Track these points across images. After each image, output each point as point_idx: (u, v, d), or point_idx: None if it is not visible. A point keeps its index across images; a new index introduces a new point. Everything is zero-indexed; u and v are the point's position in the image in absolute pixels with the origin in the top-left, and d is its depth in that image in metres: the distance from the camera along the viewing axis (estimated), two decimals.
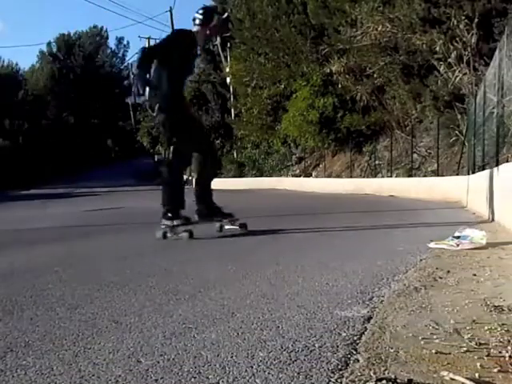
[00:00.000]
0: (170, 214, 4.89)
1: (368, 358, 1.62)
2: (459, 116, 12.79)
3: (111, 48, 53.32)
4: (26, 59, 57.66)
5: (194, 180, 5.56)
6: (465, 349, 1.68)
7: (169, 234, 4.83)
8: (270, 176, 23.47)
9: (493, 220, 5.80)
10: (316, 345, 1.75)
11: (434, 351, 1.66)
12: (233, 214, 5.42)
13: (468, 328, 1.90)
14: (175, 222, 4.87)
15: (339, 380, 1.46)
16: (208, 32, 5.10)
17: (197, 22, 5.08)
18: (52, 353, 1.75)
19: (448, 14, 12.20)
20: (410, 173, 14.73)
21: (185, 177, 25.47)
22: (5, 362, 1.67)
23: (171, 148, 5.00)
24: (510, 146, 6.20)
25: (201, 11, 5.16)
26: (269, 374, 1.52)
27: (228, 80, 27.03)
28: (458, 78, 12.24)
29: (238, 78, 23.57)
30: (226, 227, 5.28)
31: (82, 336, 1.93)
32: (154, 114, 4.86)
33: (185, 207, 5.00)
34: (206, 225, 5.25)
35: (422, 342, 1.75)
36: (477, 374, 1.47)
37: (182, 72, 5.09)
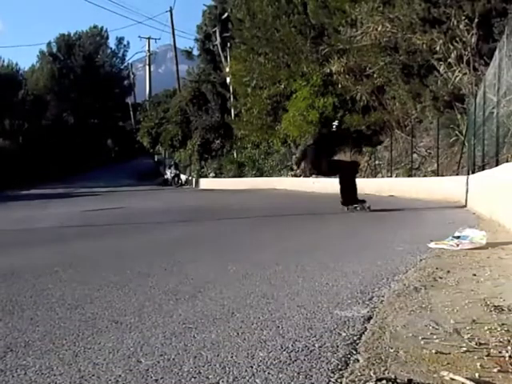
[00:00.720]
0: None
1: (368, 357, 1.62)
2: (459, 116, 12.78)
3: (111, 48, 53.30)
4: (25, 59, 57.57)
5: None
6: (465, 349, 1.68)
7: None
8: (270, 176, 23.46)
9: (493, 220, 5.80)
10: (316, 345, 1.75)
11: (434, 351, 1.66)
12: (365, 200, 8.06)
13: (468, 328, 1.90)
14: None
15: (339, 380, 1.46)
16: None
17: None
18: (52, 353, 1.75)
19: (448, 14, 12.19)
20: (409, 173, 14.72)
21: (184, 177, 25.43)
22: (5, 362, 1.67)
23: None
24: (510, 146, 6.20)
25: None
26: (269, 374, 1.52)
27: (228, 80, 27.02)
28: (457, 78, 12.23)
29: (237, 78, 23.56)
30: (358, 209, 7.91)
31: (82, 336, 1.93)
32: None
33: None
34: (206, 225, 5.25)
35: (422, 342, 1.75)
36: (477, 374, 1.47)
37: None
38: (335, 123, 8.74)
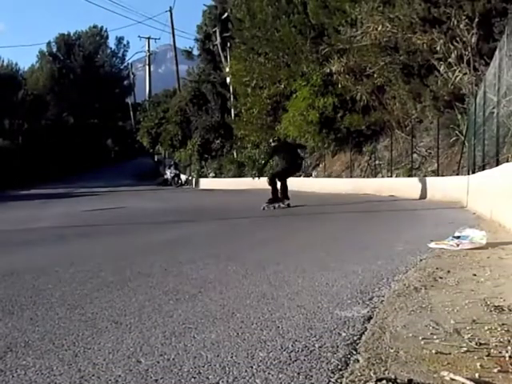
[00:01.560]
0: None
1: (368, 358, 1.62)
2: (459, 116, 12.77)
3: (111, 48, 53.35)
4: (25, 59, 57.57)
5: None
6: (465, 349, 1.68)
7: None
8: None
9: (493, 220, 5.80)
10: (316, 345, 1.75)
11: (434, 351, 1.66)
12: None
13: (468, 328, 1.90)
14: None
15: (339, 380, 1.46)
16: None
17: None
18: (52, 353, 1.75)
19: (448, 13, 12.18)
20: (410, 173, 14.71)
21: (184, 177, 25.59)
22: (5, 362, 1.67)
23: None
24: (510, 145, 6.19)
25: None
26: (269, 374, 1.52)
27: (228, 80, 27.01)
28: (458, 78, 12.22)
29: (237, 77, 23.54)
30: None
31: (82, 336, 1.93)
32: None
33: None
34: (206, 225, 5.24)
35: (422, 342, 1.75)
36: (477, 374, 1.47)
37: None
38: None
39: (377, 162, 17.30)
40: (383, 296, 2.43)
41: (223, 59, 29.40)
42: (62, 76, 46.98)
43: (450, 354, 1.64)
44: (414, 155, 15.09)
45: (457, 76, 12.24)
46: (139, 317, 2.17)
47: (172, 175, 28.59)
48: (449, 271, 3.00)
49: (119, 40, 53.86)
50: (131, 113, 45.45)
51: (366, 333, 1.88)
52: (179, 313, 2.22)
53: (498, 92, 6.41)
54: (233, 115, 27.10)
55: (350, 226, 6.63)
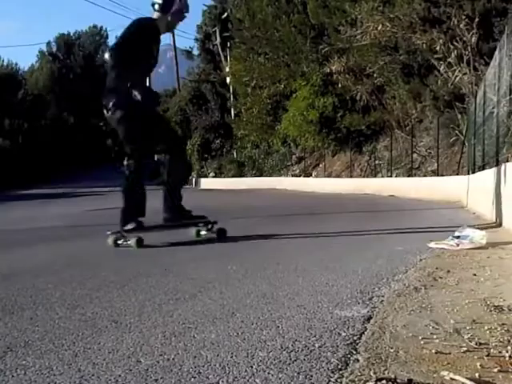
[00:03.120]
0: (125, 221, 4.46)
1: (368, 357, 1.62)
2: (459, 116, 12.78)
3: None
4: (25, 59, 57.55)
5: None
6: (465, 349, 1.68)
7: (119, 241, 4.44)
8: (270, 176, 23.45)
9: (493, 220, 5.80)
10: (316, 345, 1.75)
11: (433, 351, 1.66)
12: (205, 216, 4.90)
13: (468, 328, 1.90)
14: (129, 226, 4.41)
15: (339, 380, 1.46)
16: (169, 18, 4.59)
17: (156, 7, 4.56)
18: (52, 353, 1.75)
19: (448, 13, 12.19)
20: (410, 173, 14.73)
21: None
22: (5, 362, 1.67)
23: (129, 149, 4.49)
24: (510, 145, 6.20)
25: None
26: (269, 373, 1.52)
27: (228, 80, 27.02)
28: (458, 78, 12.23)
29: (237, 77, 23.56)
30: (203, 233, 4.85)
31: (82, 336, 1.93)
32: (109, 113, 4.41)
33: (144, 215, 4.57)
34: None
35: (422, 342, 1.75)
36: (477, 374, 1.46)
37: (146, 64, 4.68)
38: None
39: (377, 161, 17.31)
40: (383, 296, 2.43)
41: (223, 59, 29.42)
42: (61, 76, 46.98)
43: (449, 353, 1.64)
44: (414, 155, 15.10)
45: (457, 76, 12.25)
46: (139, 317, 2.17)
47: None
48: (449, 271, 3.00)
49: None
50: None
51: (365, 332, 1.88)
52: (179, 312, 2.22)
53: (498, 92, 6.41)
54: (233, 115, 27.12)
55: (349, 225, 6.63)
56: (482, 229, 4.33)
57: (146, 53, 4.57)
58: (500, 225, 5.30)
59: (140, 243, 4.32)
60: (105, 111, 4.50)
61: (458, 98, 12.69)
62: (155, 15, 4.61)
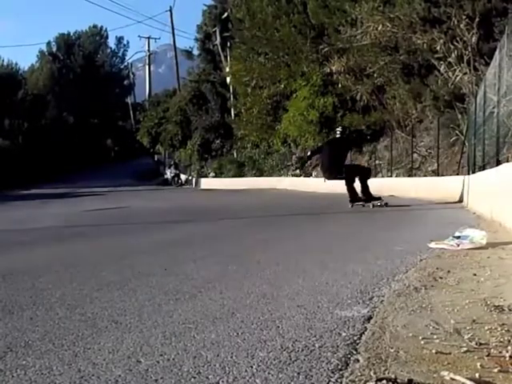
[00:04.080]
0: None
1: (368, 357, 1.62)
2: (459, 116, 12.77)
3: (111, 48, 53.29)
4: (25, 59, 57.59)
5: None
6: (465, 349, 1.68)
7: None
8: (270, 176, 23.44)
9: (493, 220, 5.80)
10: (316, 345, 1.75)
11: (434, 351, 1.66)
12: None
13: (468, 328, 1.90)
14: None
15: (339, 380, 1.46)
16: None
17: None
18: (52, 353, 1.75)
19: (448, 13, 12.18)
20: (410, 172, 14.71)
21: (184, 177, 25.36)
22: (5, 362, 1.67)
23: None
24: (510, 145, 6.19)
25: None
26: (269, 373, 1.51)
27: (228, 80, 27.00)
28: (458, 78, 12.22)
29: (237, 77, 23.54)
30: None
31: (82, 336, 1.92)
32: None
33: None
34: (206, 225, 5.24)
35: (422, 342, 1.75)
36: (477, 374, 1.46)
37: None
38: (339, 129, 9.41)
39: (377, 161, 17.30)
40: (383, 296, 2.43)
41: (223, 59, 29.41)
42: (61, 76, 46.98)
43: (450, 353, 1.64)
44: (414, 155, 15.09)
45: (457, 76, 12.24)
46: (139, 317, 2.17)
47: (172, 175, 28.60)
48: (449, 271, 3.00)
49: (119, 40, 53.87)
50: (131, 112, 45.44)
51: (366, 333, 1.87)
52: (179, 313, 2.22)
53: (498, 92, 6.40)
54: (233, 115, 27.12)
55: (349, 225, 6.63)
56: (482, 229, 4.33)
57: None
58: (500, 225, 5.30)
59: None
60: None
61: (459, 97, 12.67)
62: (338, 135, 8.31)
